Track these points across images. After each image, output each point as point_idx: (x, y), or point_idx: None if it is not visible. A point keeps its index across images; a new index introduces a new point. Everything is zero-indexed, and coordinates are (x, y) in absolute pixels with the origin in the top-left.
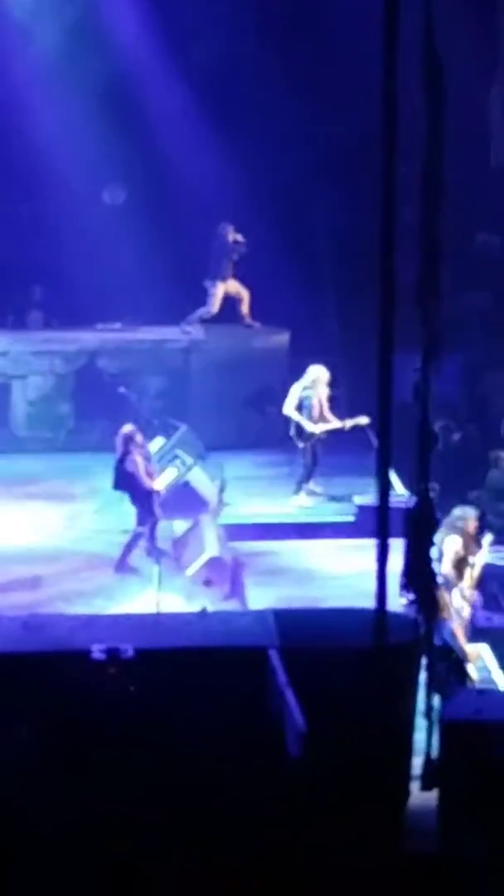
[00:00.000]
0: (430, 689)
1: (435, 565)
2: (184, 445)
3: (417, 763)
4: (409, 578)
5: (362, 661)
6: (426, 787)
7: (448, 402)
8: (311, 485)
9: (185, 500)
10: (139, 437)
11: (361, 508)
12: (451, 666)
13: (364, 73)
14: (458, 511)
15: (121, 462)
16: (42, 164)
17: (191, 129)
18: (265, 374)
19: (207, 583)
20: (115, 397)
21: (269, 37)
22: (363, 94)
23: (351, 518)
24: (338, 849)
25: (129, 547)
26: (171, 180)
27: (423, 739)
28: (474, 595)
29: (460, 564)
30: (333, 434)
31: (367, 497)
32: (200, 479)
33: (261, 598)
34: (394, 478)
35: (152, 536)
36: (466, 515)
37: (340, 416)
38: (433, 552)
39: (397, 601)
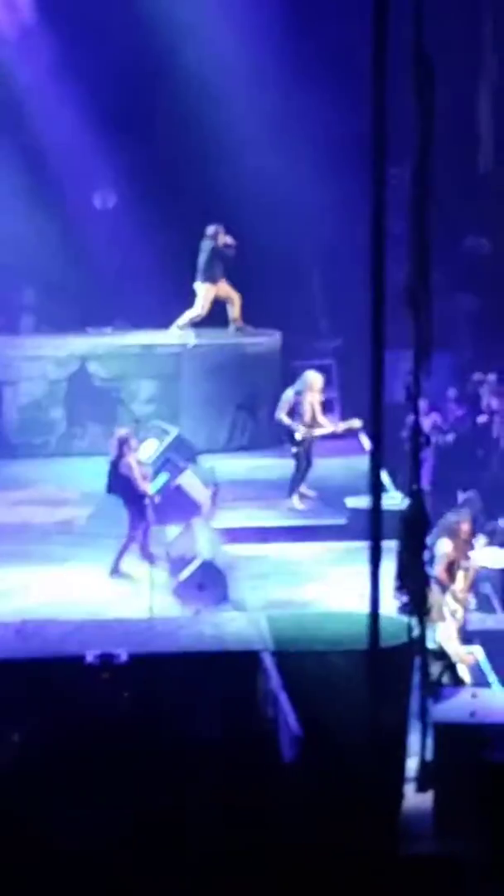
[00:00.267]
0: (424, 691)
1: (428, 568)
2: (176, 449)
3: (412, 765)
4: (403, 581)
5: (355, 664)
6: (421, 789)
7: (439, 403)
8: (304, 488)
9: (178, 504)
10: (134, 441)
11: (353, 511)
12: (444, 668)
13: (354, 75)
14: (451, 515)
15: (115, 465)
16: (35, 168)
17: (182, 132)
18: (257, 377)
19: (200, 587)
20: (107, 402)
21: (262, 37)
22: (356, 95)
23: (343, 521)
24: (333, 851)
25: (121, 552)
26: (161, 183)
27: (417, 741)
28: (468, 597)
29: (452, 567)
30: (326, 437)
31: (359, 500)
32: (192, 483)
33: (253, 601)
34: (386, 480)
35: (145, 541)
36: (460, 518)
37: (333, 420)
38: (426, 555)
39: (390, 604)
